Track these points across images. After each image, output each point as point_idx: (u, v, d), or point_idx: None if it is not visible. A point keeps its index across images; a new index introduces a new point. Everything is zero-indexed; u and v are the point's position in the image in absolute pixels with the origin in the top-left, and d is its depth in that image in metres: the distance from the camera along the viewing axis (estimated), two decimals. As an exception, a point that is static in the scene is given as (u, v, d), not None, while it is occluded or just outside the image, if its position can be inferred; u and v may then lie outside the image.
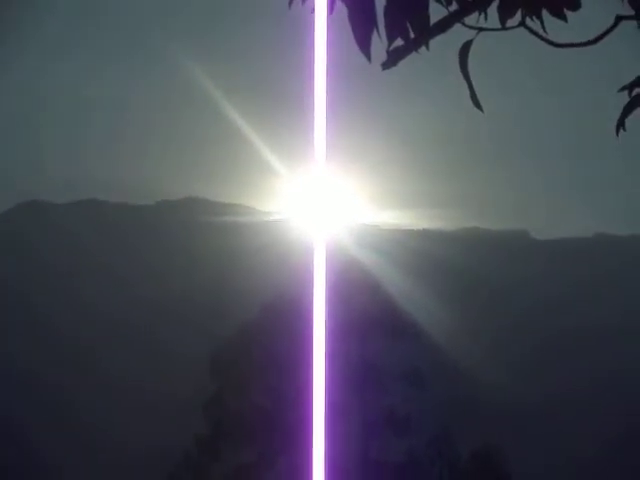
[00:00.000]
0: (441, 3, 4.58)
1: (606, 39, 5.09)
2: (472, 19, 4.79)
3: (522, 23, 4.91)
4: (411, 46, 4.41)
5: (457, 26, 4.69)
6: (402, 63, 4.41)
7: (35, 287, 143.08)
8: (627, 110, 5.33)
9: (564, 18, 4.81)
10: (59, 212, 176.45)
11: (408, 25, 4.42)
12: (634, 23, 5.06)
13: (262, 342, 38.07)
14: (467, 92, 4.92)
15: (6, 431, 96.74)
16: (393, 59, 4.39)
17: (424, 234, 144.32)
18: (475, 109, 5.01)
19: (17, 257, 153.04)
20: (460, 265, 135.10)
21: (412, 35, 4.44)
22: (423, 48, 4.46)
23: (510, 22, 4.92)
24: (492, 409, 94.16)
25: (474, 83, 4.84)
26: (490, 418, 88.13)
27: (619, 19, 4.99)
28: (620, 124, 5.44)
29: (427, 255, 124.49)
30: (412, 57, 4.48)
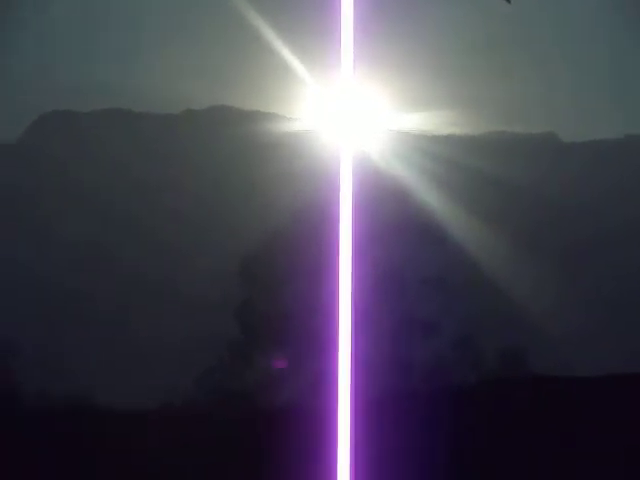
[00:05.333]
0: None
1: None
2: None
3: None
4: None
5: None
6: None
7: (59, 196, 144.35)
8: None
9: None
10: (83, 121, 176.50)
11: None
12: None
13: (291, 249, 38.57)
14: None
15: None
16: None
17: (450, 139, 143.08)
18: (503, 5, 5.08)
19: (43, 167, 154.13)
20: (487, 171, 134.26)
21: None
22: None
23: None
24: (516, 315, 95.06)
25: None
26: (515, 322, 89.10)
27: None
28: None
29: (454, 162, 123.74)
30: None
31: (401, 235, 39.82)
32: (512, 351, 39.29)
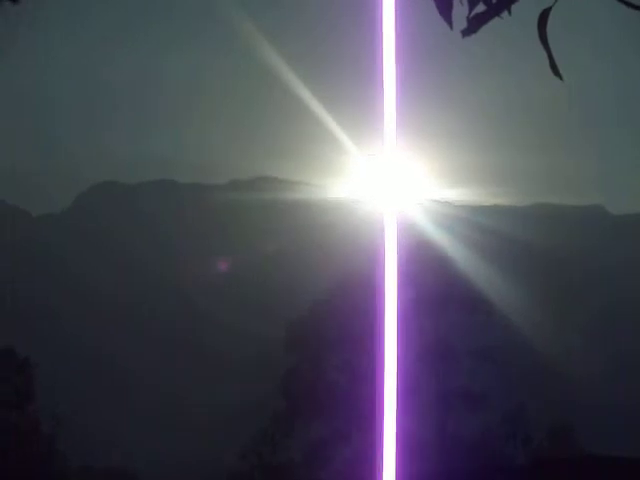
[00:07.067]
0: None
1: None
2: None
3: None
4: (493, 11, 4.27)
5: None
6: (481, 30, 4.30)
7: (109, 265, 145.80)
8: None
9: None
10: (131, 192, 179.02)
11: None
12: None
13: (335, 318, 38.21)
14: (546, 61, 4.81)
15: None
16: (474, 25, 4.27)
17: (495, 210, 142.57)
18: (554, 79, 4.91)
19: (92, 236, 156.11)
20: (531, 241, 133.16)
21: (494, 0, 4.30)
22: (505, 13, 4.32)
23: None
24: (565, 384, 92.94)
25: (554, 50, 4.73)
26: (564, 393, 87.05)
27: None
28: None
29: (498, 232, 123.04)
30: (492, 24, 4.37)
31: (447, 305, 39.29)
32: (564, 427, 38.14)
